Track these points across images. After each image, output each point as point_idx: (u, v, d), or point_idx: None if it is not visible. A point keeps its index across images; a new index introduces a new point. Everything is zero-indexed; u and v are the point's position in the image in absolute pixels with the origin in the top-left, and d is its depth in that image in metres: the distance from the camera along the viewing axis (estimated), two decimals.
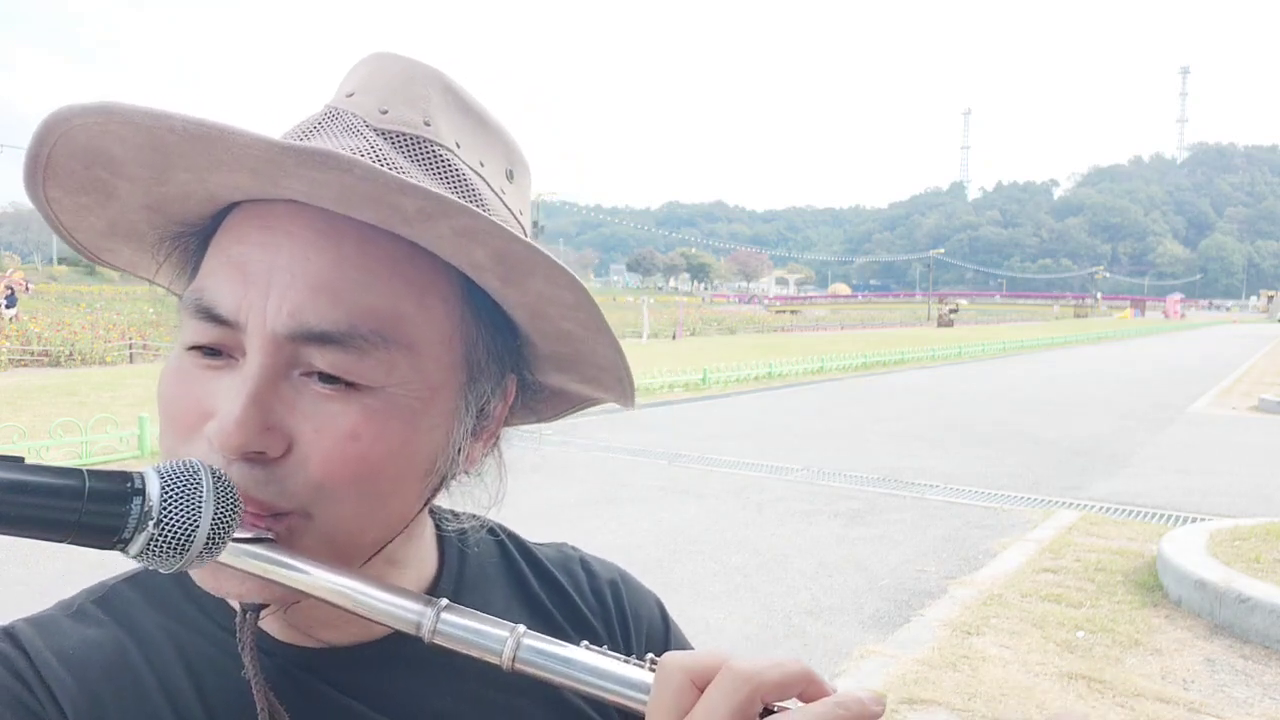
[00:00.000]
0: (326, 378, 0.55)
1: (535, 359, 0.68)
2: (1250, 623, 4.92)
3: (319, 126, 0.60)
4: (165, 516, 0.48)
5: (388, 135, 0.60)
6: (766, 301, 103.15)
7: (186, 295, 0.58)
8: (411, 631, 0.55)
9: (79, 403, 12.72)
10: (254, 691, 0.58)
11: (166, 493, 0.48)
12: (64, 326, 21.96)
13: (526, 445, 0.75)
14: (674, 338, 34.67)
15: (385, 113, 0.61)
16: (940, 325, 56.40)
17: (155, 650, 0.62)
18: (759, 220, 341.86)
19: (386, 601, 0.55)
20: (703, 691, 0.49)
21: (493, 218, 0.54)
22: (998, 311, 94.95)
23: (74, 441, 9.04)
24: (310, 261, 0.55)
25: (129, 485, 0.47)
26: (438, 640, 0.55)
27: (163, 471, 0.49)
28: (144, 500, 0.47)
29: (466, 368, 0.62)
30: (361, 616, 0.56)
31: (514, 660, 0.54)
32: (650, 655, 0.55)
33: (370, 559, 0.61)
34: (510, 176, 0.68)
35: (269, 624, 0.64)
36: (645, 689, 0.52)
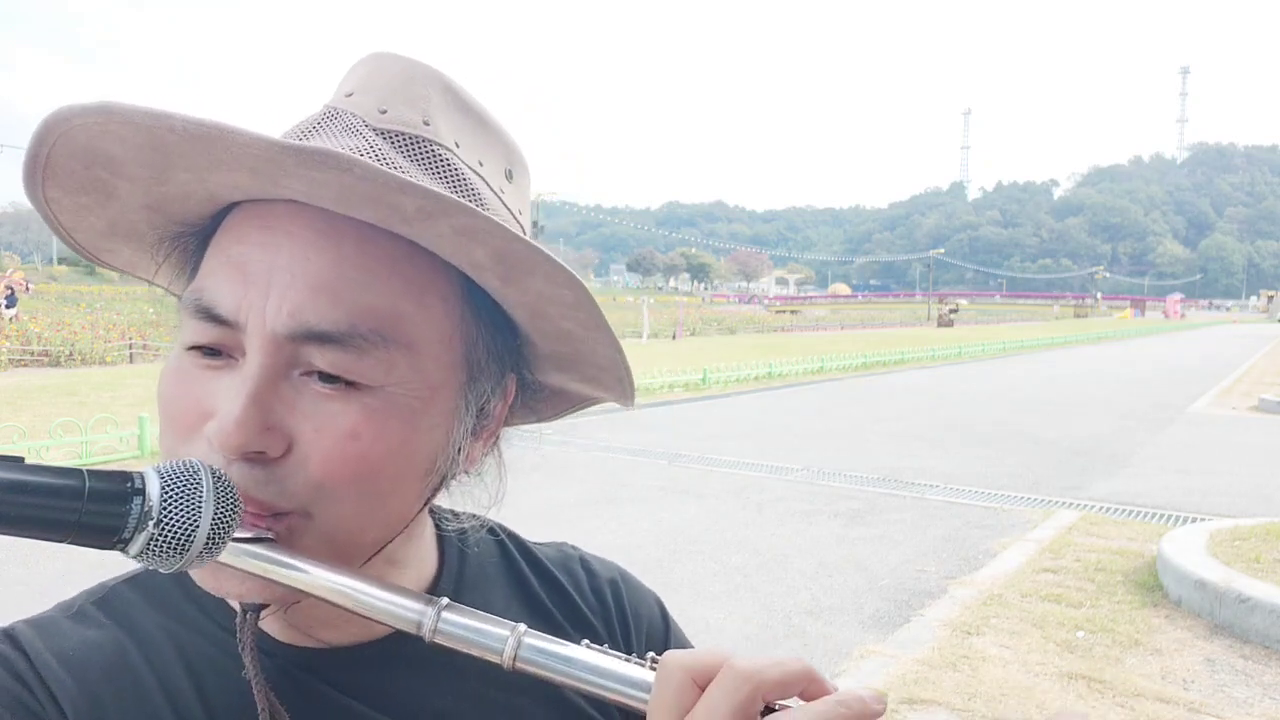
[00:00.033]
0: (326, 377, 0.55)
1: (535, 358, 0.68)
2: (1250, 623, 4.92)
3: (318, 126, 0.60)
4: (165, 516, 0.48)
5: (387, 135, 0.60)
6: (766, 301, 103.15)
7: (186, 295, 0.58)
8: (412, 631, 0.55)
9: (79, 403, 12.72)
10: (254, 692, 0.58)
11: (166, 493, 0.48)
12: (64, 326, 21.95)
13: (526, 445, 0.75)
14: (674, 338, 34.67)
15: (384, 112, 0.61)
16: (940, 325, 56.40)
17: (155, 651, 0.62)
18: (759, 220, 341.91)
19: (387, 601, 0.55)
20: (704, 690, 0.49)
21: (492, 217, 0.54)
22: (998, 311, 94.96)
23: (74, 441, 9.04)
24: (310, 261, 0.55)
25: (129, 485, 0.47)
26: (438, 639, 0.55)
27: (163, 471, 0.49)
28: (144, 500, 0.47)
29: (466, 367, 0.62)
30: (362, 616, 0.55)
31: (515, 659, 0.54)
32: (651, 654, 0.55)
33: (370, 559, 0.61)
34: (509, 176, 0.68)
35: (269, 624, 0.64)
36: (646, 688, 0.52)
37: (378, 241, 0.56)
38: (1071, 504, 8.35)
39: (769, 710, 0.49)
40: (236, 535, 0.52)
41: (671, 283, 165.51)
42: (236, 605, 0.62)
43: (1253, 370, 25.40)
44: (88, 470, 0.46)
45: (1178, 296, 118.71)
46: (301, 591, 0.55)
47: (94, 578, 0.68)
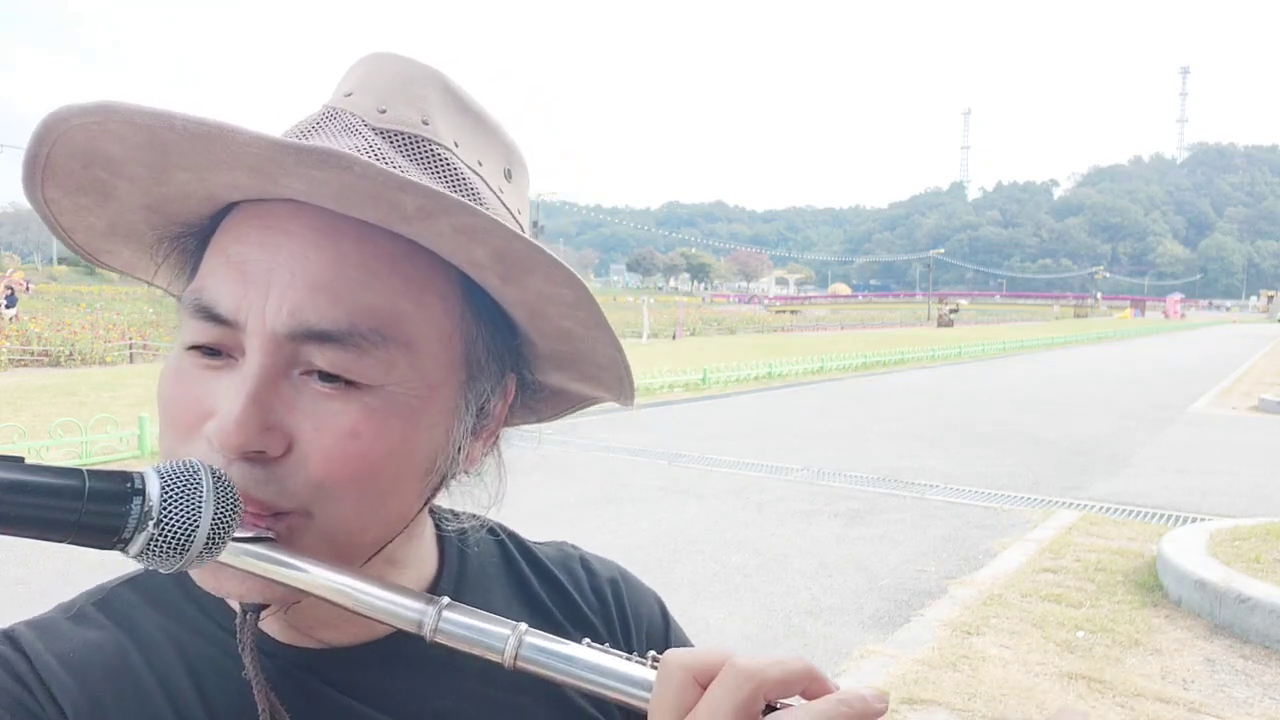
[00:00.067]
0: (326, 376, 0.55)
1: (535, 358, 0.68)
2: (1250, 623, 4.92)
3: (317, 126, 0.60)
4: (165, 516, 0.48)
5: (386, 134, 0.60)
6: (766, 301, 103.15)
7: (186, 295, 0.58)
8: (413, 630, 0.55)
9: (79, 403, 12.72)
10: (255, 692, 0.58)
11: (166, 493, 0.48)
12: (64, 326, 21.94)
13: (526, 445, 0.75)
14: (674, 338, 34.66)
15: (384, 112, 0.61)
16: (940, 325, 56.40)
17: (156, 652, 0.62)
18: (759, 220, 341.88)
19: (388, 600, 0.55)
20: (705, 689, 0.49)
21: (493, 216, 0.54)
22: (998, 311, 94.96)
23: (74, 441, 9.04)
24: (310, 260, 0.55)
25: (129, 485, 0.47)
26: (439, 639, 0.55)
27: (163, 471, 0.49)
28: (144, 500, 0.47)
29: (466, 366, 0.62)
30: (363, 615, 0.55)
31: (516, 658, 0.54)
32: (652, 653, 0.55)
33: (371, 558, 0.61)
34: (508, 176, 0.68)
35: (270, 625, 0.64)
36: (647, 686, 0.52)
37: (377, 241, 0.56)
38: (1071, 504, 8.35)
39: (770, 709, 0.49)
40: (237, 535, 0.52)
41: (671, 283, 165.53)
42: (236, 606, 0.62)
43: (1253, 370, 25.40)
44: (88, 470, 0.46)
45: (1178, 296, 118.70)
46: (302, 591, 0.55)
47: (94, 578, 0.68)
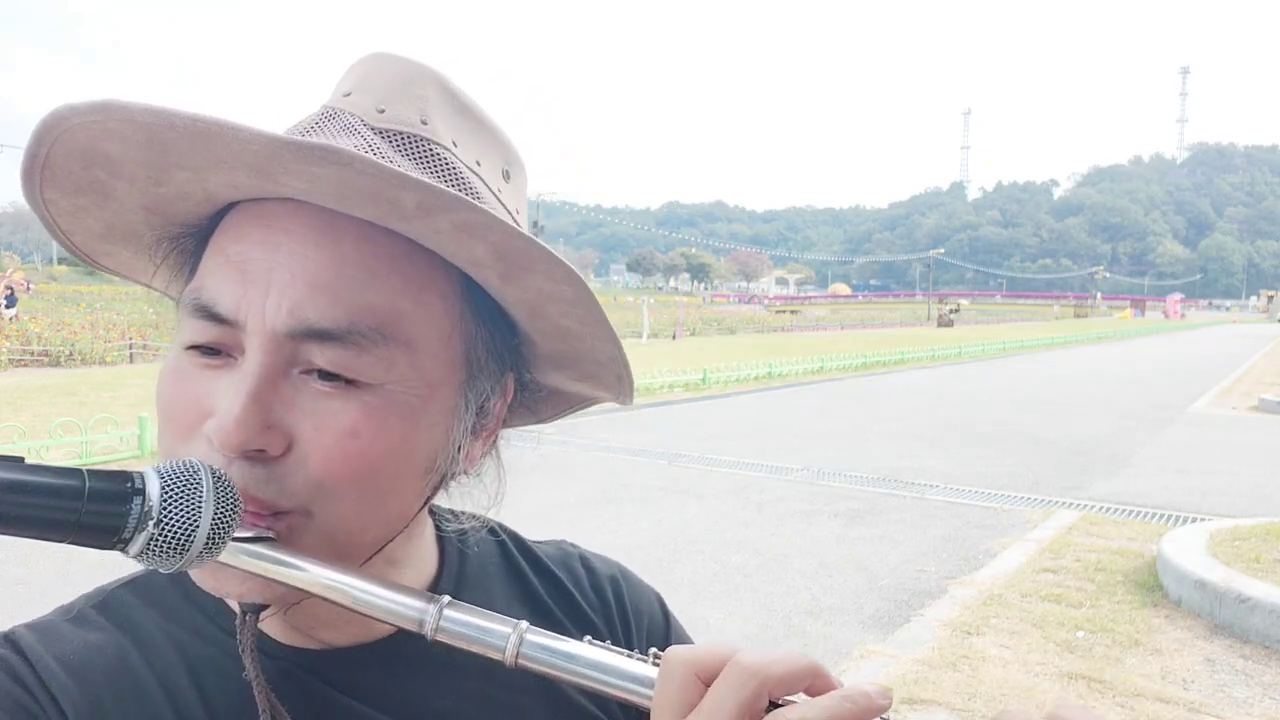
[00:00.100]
0: (326, 375, 0.55)
1: (534, 358, 0.68)
2: (1250, 623, 4.92)
3: (316, 126, 0.60)
4: (165, 516, 0.48)
5: (385, 134, 0.60)
6: (766, 301, 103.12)
7: (185, 294, 0.58)
8: (414, 629, 0.55)
9: (79, 403, 12.72)
10: (255, 693, 0.58)
11: (166, 492, 0.48)
12: (64, 326, 21.94)
13: (526, 445, 0.75)
14: (674, 338, 34.66)
15: (383, 112, 0.61)
16: (940, 325, 56.39)
17: (156, 653, 0.61)
18: (759, 220, 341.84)
19: (388, 599, 0.55)
20: (707, 685, 0.49)
21: (492, 212, 0.54)
22: (998, 311, 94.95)
23: (74, 441, 9.04)
24: (309, 259, 0.55)
25: (129, 485, 0.47)
26: (440, 637, 0.54)
27: (163, 471, 0.49)
28: (144, 500, 0.47)
29: (466, 365, 0.62)
30: (363, 615, 0.55)
31: (517, 656, 0.54)
32: (653, 650, 0.55)
33: (370, 558, 0.61)
34: (507, 176, 0.68)
35: (270, 626, 0.64)
36: (649, 684, 0.52)
37: (376, 239, 0.57)
38: (1071, 504, 8.35)
39: (774, 705, 0.48)
40: (237, 535, 0.52)
41: (671, 283, 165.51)
42: (236, 607, 0.62)
43: (1253, 370, 25.40)
44: (88, 470, 0.46)
45: (1178, 296, 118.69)
46: (302, 590, 0.55)
47: (94, 578, 0.68)
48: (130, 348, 20.39)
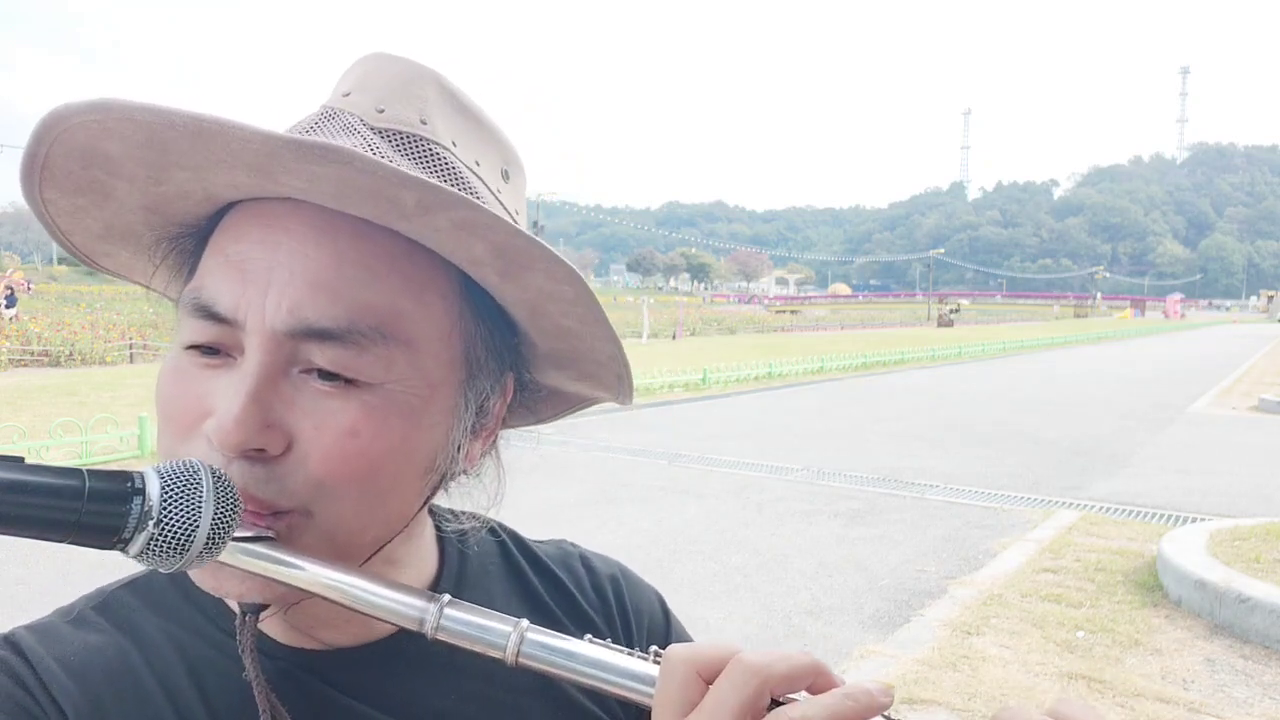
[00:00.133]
0: (326, 375, 0.55)
1: (534, 357, 0.68)
2: (1250, 623, 4.92)
3: (315, 126, 0.60)
4: (165, 516, 0.48)
5: (385, 134, 0.60)
6: (766, 301, 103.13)
7: (185, 294, 0.58)
8: (414, 628, 0.55)
9: (79, 403, 12.72)
10: (255, 693, 0.58)
11: (166, 492, 0.48)
12: (64, 326, 21.94)
13: (525, 445, 0.75)
14: (674, 338, 34.66)
15: (382, 112, 0.61)
16: (940, 325, 56.39)
17: (157, 654, 0.61)
18: (759, 220, 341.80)
19: (389, 598, 0.55)
20: (709, 684, 0.49)
21: (492, 210, 0.54)
22: (998, 311, 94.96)
23: (74, 441, 9.04)
24: (309, 258, 0.55)
25: (129, 485, 0.47)
26: (441, 636, 0.54)
27: (163, 471, 0.49)
28: (144, 500, 0.47)
29: (466, 365, 0.62)
30: (364, 614, 0.55)
31: (517, 655, 0.54)
32: (654, 648, 0.55)
33: (370, 558, 0.61)
34: (506, 176, 0.68)
35: (270, 626, 0.64)
36: (650, 681, 0.52)
37: (376, 239, 0.57)
38: (1071, 504, 8.35)
39: (775, 704, 0.48)
40: (236, 534, 0.52)
41: (671, 283, 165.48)
42: (236, 607, 0.62)
43: (1253, 370, 25.39)
44: (88, 470, 0.46)
45: (1178, 296, 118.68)
46: (302, 590, 0.55)
47: (93, 577, 0.68)
48: (130, 348, 20.40)
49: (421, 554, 0.71)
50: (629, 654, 0.54)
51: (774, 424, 13.37)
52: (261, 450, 0.54)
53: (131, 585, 0.66)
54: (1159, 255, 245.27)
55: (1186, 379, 22.16)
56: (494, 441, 0.69)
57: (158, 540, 0.48)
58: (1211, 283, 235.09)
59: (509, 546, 0.80)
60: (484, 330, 0.63)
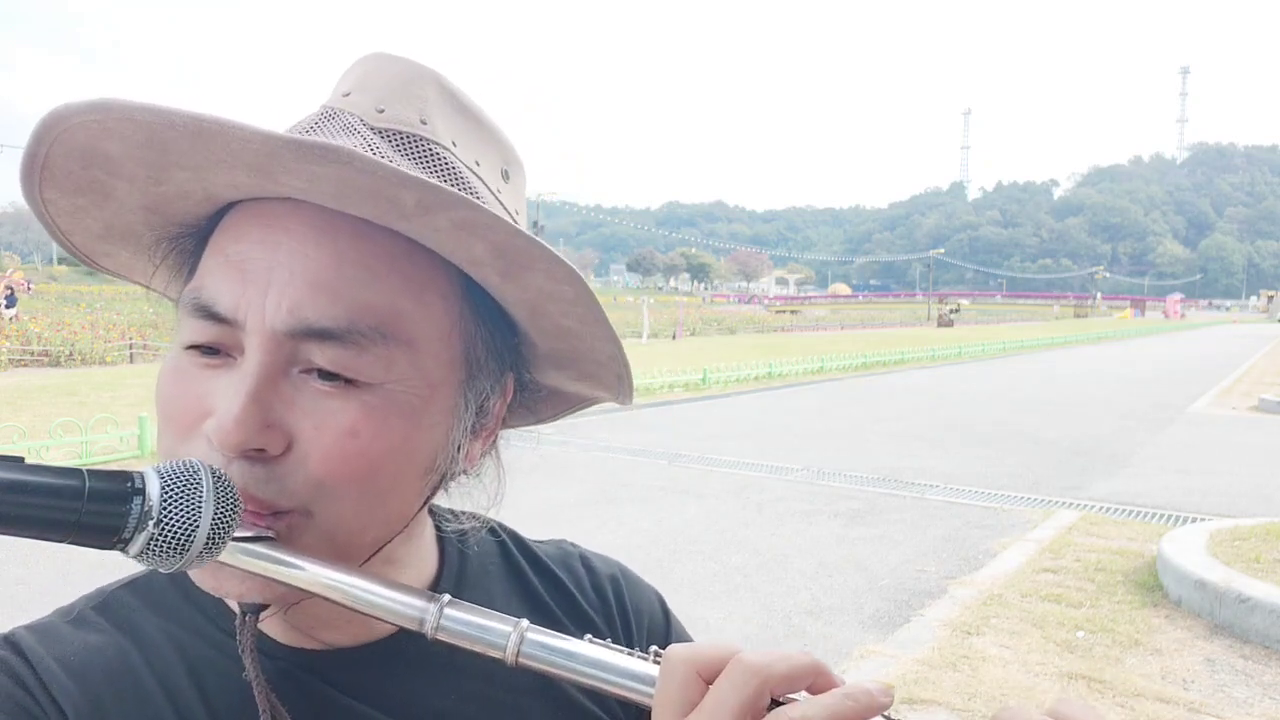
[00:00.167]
0: (326, 375, 0.55)
1: (534, 357, 0.68)
2: (1250, 623, 4.92)
3: (315, 126, 0.60)
4: (165, 516, 0.48)
5: (385, 134, 0.60)
6: (766, 301, 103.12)
7: (185, 294, 0.58)
8: (414, 628, 0.55)
9: (79, 403, 12.72)
10: (255, 693, 0.58)
11: (166, 492, 0.48)
12: (64, 326, 21.94)
13: (525, 445, 0.75)
14: (674, 338, 34.66)
15: (382, 112, 0.61)
16: (940, 325, 56.39)
17: (157, 654, 0.62)
18: (759, 220, 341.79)
19: (389, 598, 0.55)
20: (709, 684, 0.49)
21: (492, 210, 0.54)
22: (998, 311, 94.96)
23: (74, 441, 9.04)
24: (309, 258, 0.55)
25: (129, 485, 0.47)
26: (441, 636, 0.54)
27: (163, 471, 0.49)
28: (144, 500, 0.47)
29: (466, 365, 0.62)
30: (364, 614, 0.55)
31: (517, 655, 0.54)
32: (654, 648, 0.55)
33: (370, 558, 0.61)
34: (506, 176, 0.68)
35: (270, 627, 0.64)
36: (650, 681, 0.52)
37: (376, 239, 0.57)
38: (1071, 504, 8.35)
39: (776, 704, 0.48)
40: (236, 534, 0.52)
41: (671, 283, 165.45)
42: (236, 607, 0.62)
43: (1253, 370, 25.39)
44: (88, 470, 0.46)
45: (1178, 296, 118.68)
46: (302, 590, 0.55)
47: (93, 577, 0.68)
48: (130, 348, 20.40)
49: (421, 554, 0.71)
50: (629, 654, 0.54)
51: (774, 424, 13.37)
52: (261, 450, 0.54)
53: (131, 585, 0.66)
54: (1159, 255, 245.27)
55: (1186, 379, 22.16)
56: (494, 441, 0.69)
57: (158, 540, 0.48)
58: (1211, 283, 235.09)
59: (509, 546, 0.80)
60: (484, 330, 0.63)
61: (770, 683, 0.48)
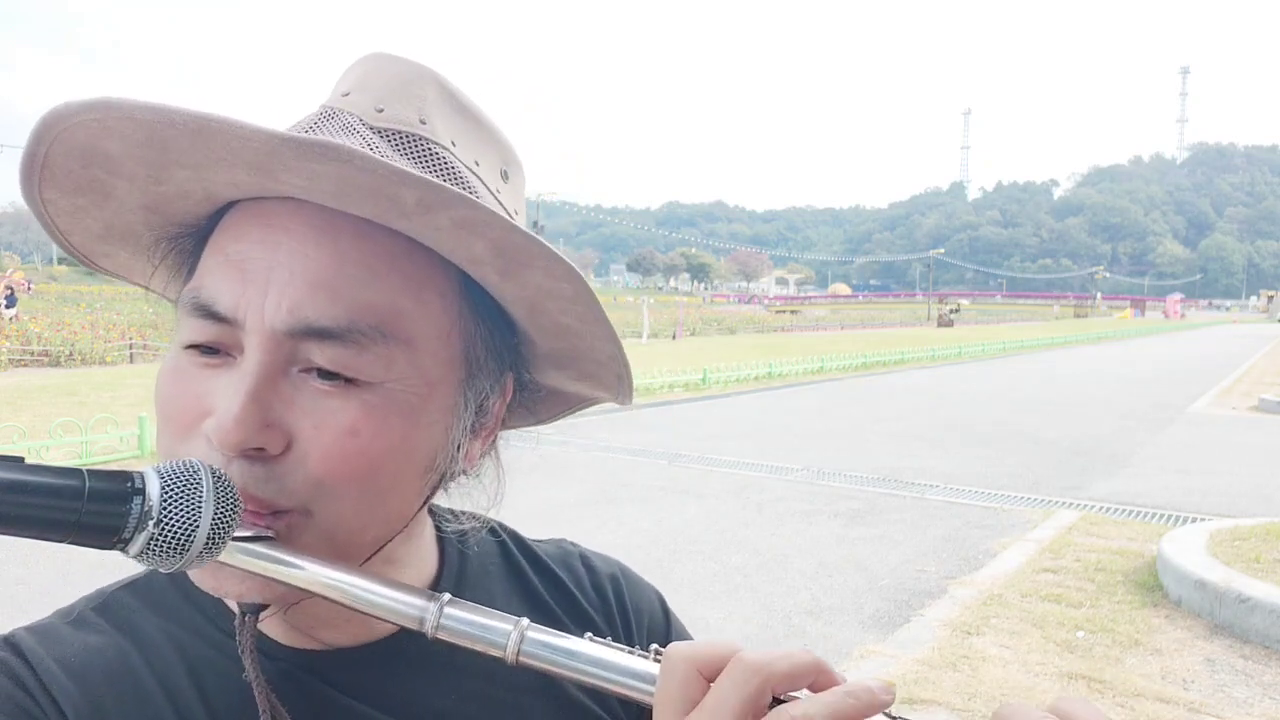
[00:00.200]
0: (325, 374, 0.55)
1: (533, 357, 0.68)
2: (1250, 623, 4.92)
3: (315, 126, 0.60)
4: (165, 516, 0.48)
5: (384, 133, 0.60)
6: (766, 301, 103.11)
7: (184, 293, 0.58)
8: (415, 627, 0.55)
9: (79, 403, 12.71)
10: (255, 694, 0.58)
11: (166, 492, 0.48)
12: (64, 326, 21.94)
13: (525, 445, 0.75)
14: (674, 338, 34.66)
15: (381, 111, 0.61)
16: (940, 325, 56.39)
17: (157, 655, 0.61)
18: (759, 220, 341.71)
19: (389, 597, 0.55)
20: (710, 682, 0.49)
21: (492, 208, 0.54)
22: (998, 311, 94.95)
23: (74, 441, 9.04)
24: (309, 258, 0.55)
25: (129, 485, 0.47)
26: (441, 635, 0.54)
27: (163, 471, 0.49)
28: (144, 500, 0.47)
29: (465, 364, 0.62)
30: (364, 613, 0.55)
31: (518, 654, 0.54)
32: (654, 646, 0.55)
33: (370, 557, 0.61)
34: (505, 176, 0.68)
35: (270, 627, 0.64)
36: (651, 680, 0.52)
37: (376, 238, 0.57)
38: (1071, 504, 8.35)
39: (777, 701, 0.48)
40: (236, 534, 0.52)
41: (671, 283, 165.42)
42: (236, 608, 0.62)
43: (1253, 370, 25.39)
44: (88, 470, 0.46)
45: (1178, 296, 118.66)
46: (302, 589, 0.55)
47: (93, 577, 0.68)
48: (130, 348, 20.40)
49: (421, 554, 0.71)
50: (630, 652, 0.54)
51: (774, 424, 13.37)
52: (261, 449, 0.54)
53: (131, 586, 0.66)
54: (1159, 255, 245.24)
55: (1186, 379, 22.16)
56: (493, 441, 0.69)
57: (158, 540, 0.48)
58: (1211, 283, 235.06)
59: (509, 546, 0.80)
60: (483, 330, 0.63)
61: (772, 681, 0.48)
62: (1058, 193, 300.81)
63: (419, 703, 0.65)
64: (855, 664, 4.62)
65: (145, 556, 0.48)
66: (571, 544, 0.85)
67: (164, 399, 0.58)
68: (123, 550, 0.47)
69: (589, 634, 0.55)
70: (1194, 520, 7.28)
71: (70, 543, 0.46)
